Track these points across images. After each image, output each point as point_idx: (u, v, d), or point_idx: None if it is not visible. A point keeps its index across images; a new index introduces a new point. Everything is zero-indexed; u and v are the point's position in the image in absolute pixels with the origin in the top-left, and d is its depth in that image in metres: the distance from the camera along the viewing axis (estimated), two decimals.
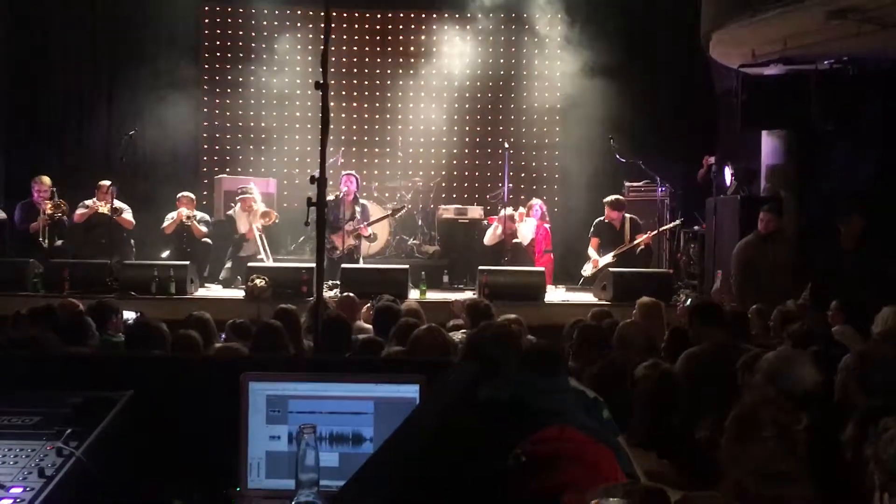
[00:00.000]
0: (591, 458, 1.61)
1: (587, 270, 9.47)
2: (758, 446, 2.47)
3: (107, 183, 9.31)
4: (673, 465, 2.95)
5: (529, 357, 2.58)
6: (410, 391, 1.92)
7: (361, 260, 9.57)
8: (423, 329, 4.04)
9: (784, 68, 8.45)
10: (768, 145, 9.52)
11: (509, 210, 9.70)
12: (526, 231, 9.64)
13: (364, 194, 10.24)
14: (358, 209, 9.55)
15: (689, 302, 7.12)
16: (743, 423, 2.57)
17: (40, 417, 1.82)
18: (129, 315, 5.68)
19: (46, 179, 9.31)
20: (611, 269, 8.67)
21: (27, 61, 11.17)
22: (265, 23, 11.72)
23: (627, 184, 10.52)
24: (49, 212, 9.13)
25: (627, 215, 9.45)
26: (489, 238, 9.69)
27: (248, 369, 1.97)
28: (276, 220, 9.74)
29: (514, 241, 9.58)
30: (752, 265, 7.70)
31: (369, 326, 5.83)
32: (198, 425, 1.93)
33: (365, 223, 9.52)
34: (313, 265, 8.52)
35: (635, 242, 9.21)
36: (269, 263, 9.14)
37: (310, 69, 11.47)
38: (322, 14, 11.46)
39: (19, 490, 1.60)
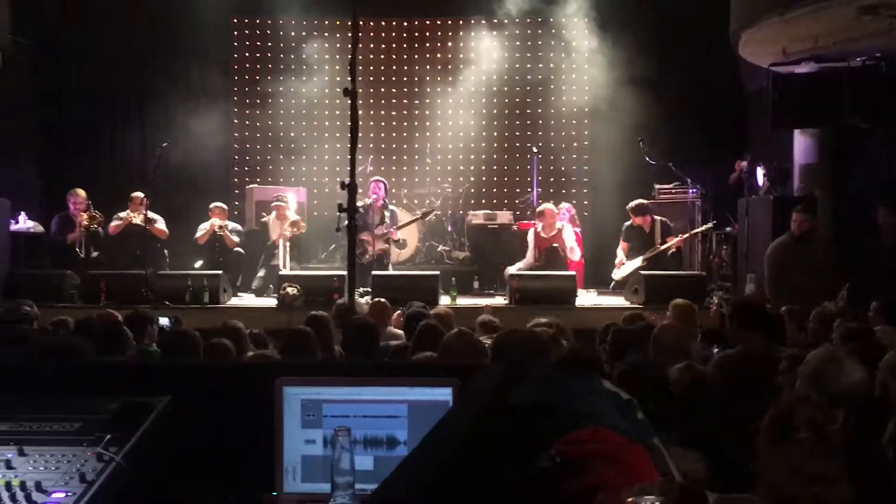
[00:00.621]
0: (626, 458, 1.60)
1: (618, 274, 9.42)
2: (793, 447, 2.44)
3: (140, 195, 9.46)
4: (708, 468, 2.93)
5: (564, 360, 2.57)
6: (443, 394, 1.92)
7: (391, 267, 9.61)
8: (453, 333, 4.05)
9: (815, 66, 8.34)
10: (801, 144, 9.41)
11: (547, 206, 9.56)
12: (570, 240, 9.52)
13: (393, 201, 10.29)
14: (387, 214, 9.61)
15: (716, 303, 7.01)
16: (778, 424, 2.53)
17: (80, 423, 1.85)
18: (164, 321, 5.73)
19: (82, 192, 9.49)
20: (642, 273, 8.61)
21: (60, 77, 11.40)
22: (293, 33, 11.84)
23: (658, 186, 10.44)
24: (85, 224, 9.30)
25: (657, 218, 9.38)
26: (530, 250, 9.51)
27: (283, 374, 1.99)
28: (303, 231, 9.78)
29: (553, 245, 9.47)
30: (785, 266, 7.60)
31: (400, 332, 5.85)
32: (234, 430, 1.96)
33: (394, 227, 9.57)
34: (344, 273, 8.66)
35: (665, 246, 9.14)
36: (298, 272, 9.20)
37: (338, 78, 11.54)
38: (350, 23, 11.60)
39: (62, 495, 1.63)
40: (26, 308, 5.85)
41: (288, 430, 1.95)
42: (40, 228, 9.94)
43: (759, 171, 9.38)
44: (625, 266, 9.34)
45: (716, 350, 4.46)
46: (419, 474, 1.30)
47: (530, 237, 9.52)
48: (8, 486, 1.65)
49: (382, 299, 6.80)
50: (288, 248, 9.61)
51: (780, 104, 8.43)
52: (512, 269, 9.23)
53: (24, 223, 9.81)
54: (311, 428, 1.95)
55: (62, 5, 11.34)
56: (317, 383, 1.97)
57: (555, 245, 9.42)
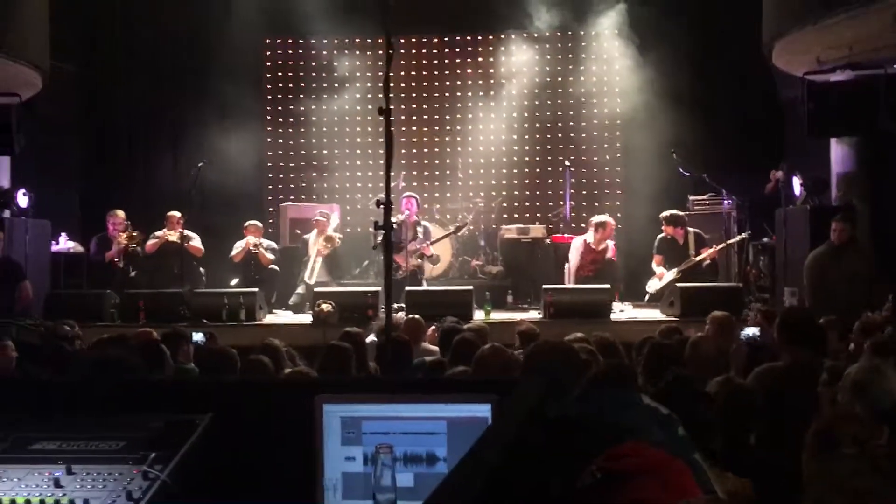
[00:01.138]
0: (668, 473, 1.58)
1: (652, 287, 9.33)
2: (838, 462, 2.40)
3: (176, 214, 9.60)
4: (752, 484, 2.88)
5: (601, 375, 2.55)
6: (482, 410, 1.92)
7: (425, 282, 9.64)
8: (487, 348, 4.05)
9: (851, 74, 8.23)
10: (838, 153, 9.27)
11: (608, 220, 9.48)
12: (611, 254, 9.49)
13: (426, 216, 10.33)
14: (420, 230, 9.65)
15: (750, 330, 6.84)
16: (822, 440, 2.50)
17: (125, 442, 1.88)
18: (198, 337, 5.75)
19: (121, 213, 9.65)
20: (678, 285, 8.53)
21: (98, 101, 11.65)
22: (325, 52, 11.98)
23: (692, 198, 10.36)
24: (124, 244, 9.46)
25: (691, 230, 9.29)
26: (575, 261, 9.39)
27: (322, 391, 2.00)
28: (337, 245, 9.82)
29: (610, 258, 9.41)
30: (825, 276, 7.48)
31: (435, 348, 5.86)
32: (275, 447, 1.97)
33: (427, 243, 9.60)
34: (378, 288, 8.71)
35: (700, 257, 9.04)
36: (332, 288, 9.25)
37: (369, 95, 11.68)
38: (381, 41, 11.71)
39: None
40: (67, 328, 5.96)
41: (328, 447, 1.96)
42: (80, 249, 10.14)
43: (796, 181, 9.25)
44: (659, 279, 9.26)
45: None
46: (461, 492, 1.30)
47: (578, 247, 9.41)
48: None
49: (416, 315, 6.82)
50: (319, 262, 9.67)
51: (816, 113, 8.32)
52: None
53: (64, 244, 10.01)
54: (352, 445, 1.96)
55: (100, 31, 11.61)
56: (356, 400, 1.98)
57: (612, 258, 9.38)
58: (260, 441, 1.96)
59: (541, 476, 1.64)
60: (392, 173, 3.67)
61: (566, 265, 9.50)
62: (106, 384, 2.36)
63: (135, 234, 9.56)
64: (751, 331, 5.49)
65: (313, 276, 9.60)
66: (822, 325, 4.86)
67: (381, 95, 10.53)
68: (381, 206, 3.14)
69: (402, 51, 11.84)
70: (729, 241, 9.40)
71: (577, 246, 9.40)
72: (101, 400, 2.12)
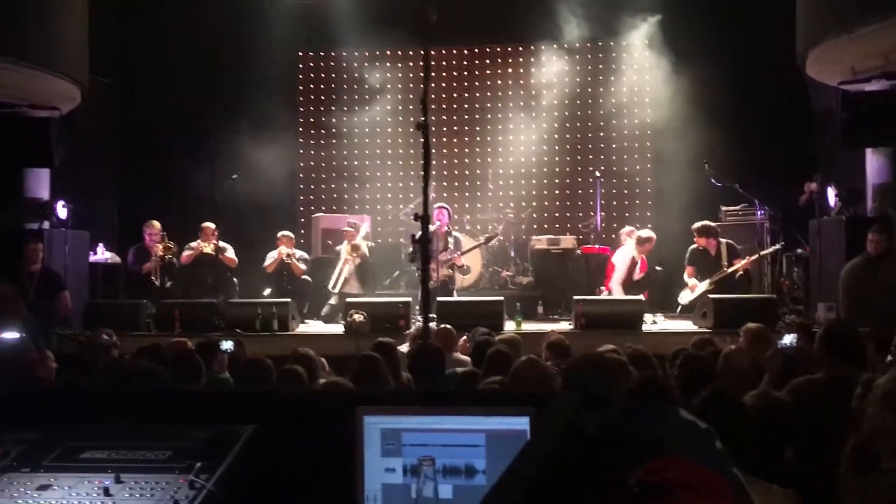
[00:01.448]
0: (707, 487, 1.58)
1: (684, 298, 9.27)
2: (877, 477, 2.38)
3: (211, 225, 9.74)
4: (796, 494, 2.86)
5: (637, 387, 2.56)
6: (521, 423, 1.94)
7: (455, 293, 9.66)
8: (523, 361, 4.06)
9: (887, 84, 8.14)
10: (873, 164, 9.15)
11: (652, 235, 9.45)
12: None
13: (456, 227, 10.36)
14: (451, 241, 9.68)
15: (787, 338, 6.74)
16: (860, 454, 2.47)
17: (171, 451, 1.93)
18: (226, 345, 5.72)
19: (157, 224, 9.81)
20: (710, 296, 8.46)
21: (136, 114, 11.86)
22: (356, 64, 12.10)
23: (724, 208, 10.28)
24: (160, 254, 9.60)
25: (724, 240, 9.22)
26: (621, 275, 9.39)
27: (362, 403, 2.04)
28: (360, 255, 9.85)
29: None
30: (862, 288, 7.38)
31: (466, 359, 5.87)
32: (316, 458, 2.01)
33: (458, 253, 9.63)
34: (409, 299, 8.75)
35: (733, 269, 8.96)
36: (364, 299, 9.31)
37: (400, 107, 11.78)
38: (411, 53, 11.84)
39: None
40: (105, 336, 6.05)
41: (368, 458, 1.99)
42: (117, 259, 10.32)
43: (830, 192, 9.14)
44: (692, 290, 9.20)
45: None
46: None
47: (627, 258, 9.37)
48: None
49: (448, 325, 6.84)
50: (346, 270, 9.72)
51: (851, 123, 8.22)
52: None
53: (101, 254, 10.19)
54: (391, 456, 1.99)
55: (137, 44, 11.82)
56: (396, 412, 2.01)
57: (658, 267, 9.42)
58: (301, 451, 2.00)
59: (579, 490, 1.66)
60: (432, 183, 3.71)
61: (608, 282, 9.45)
62: (151, 395, 2.42)
63: (170, 245, 9.71)
64: (787, 339, 5.42)
65: (338, 284, 9.64)
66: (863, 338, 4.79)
67: (412, 107, 10.58)
68: (418, 219, 3.17)
69: (433, 62, 11.89)
70: (762, 253, 9.31)
71: (622, 260, 9.37)
72: (148, 410, 2.17)
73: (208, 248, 9.63)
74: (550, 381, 3.65)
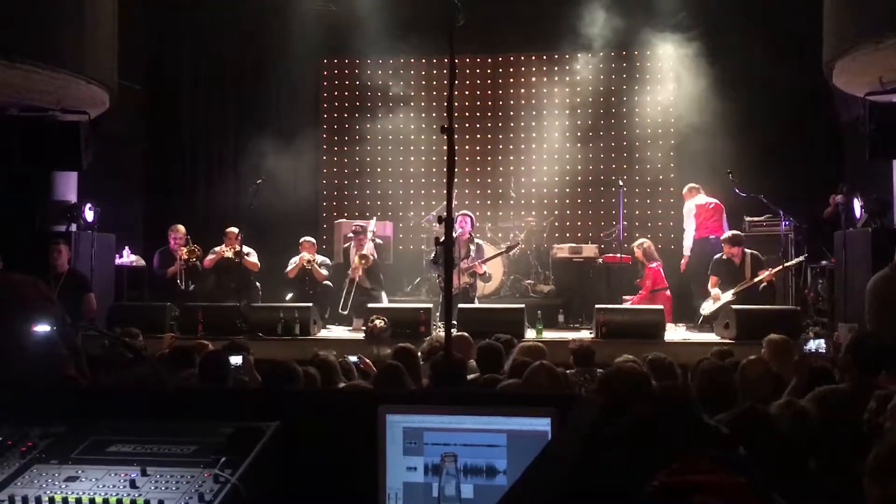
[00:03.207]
0: (729, 490, 1.59)
1: (706, 309, 9.22)
2: None
3: (234, 230, 9.82)
4: None
5: (659, 395, 2.55)
6: (542, 424, 1.94)
7: (477, 300, 9.67)
8: (535, 366, 4.15)
9: None
10: None
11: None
12: None
13: (478, 235, 10.37)
14: (473, 248, 9.69)
15: (813, 344, 6.67)
16: (885, 465, 2.45)
17: (196, 446, 1.95)
18: (235, 360, 5.61)
19: (181, 228, 9.91)
20: (733, 307, 8.41)
21: (162, 120, 12.01)
22: (380, 72, 12.18)
23: (748, 219, 10.21)
24: (184, 258, 9.70)
25: (748, 251, 9.16)
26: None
27: (384, 402, 2.05)
28: (370, 265, 9.82)
29: None
30: (889, 301, 7.28)
31: None
32: (338, 456, 2.02)
33: (480, 261, 9.63)
34: (430, 305, 8.77)
35: (757, 279, 8.90)
36: (385, 304, 9.33)
37: (423, 115, 11.82)
38: (434, 61, 11.90)
39: None
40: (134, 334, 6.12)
41: (390, 456, 2.00)
42: (142, 262, 10.43)
43: (857, 203, 9.05)
44: (714, 300, 9.15)
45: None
46: None
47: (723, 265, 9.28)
48: (133, 503, 1.76)
49: (465, 333, 6.79)
50: (354, 288, 9.67)
51: (878, 134, 8.14)
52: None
53: (127, 257, 10.31)
54: (413, 455, 2.00)
55: (165, 50, 11.99)
56: (418, 411, 2.02)
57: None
58: (324, 449, 2.02)
59: (602, 491, 1.66)
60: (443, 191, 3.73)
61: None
62: (178, 392, 2.45)
63: (195, 249, 9.80)
64: (814, 344, 5.36)
65: (348, 304, 9.60)
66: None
67: (434, 114, 10.58)
68: (442, 223, 3.19)
69: (456, 70, 11.93)
70: (787, 264, 9.23)
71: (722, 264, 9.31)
72: (173, 407, 2.20)
73: (230, 253, 9.72)
74: (562, 386, 3.67)
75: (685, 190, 10.21)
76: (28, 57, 7.61)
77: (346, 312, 9.58)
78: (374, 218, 10.82)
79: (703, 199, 9.97)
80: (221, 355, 4.92)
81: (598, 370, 5.91)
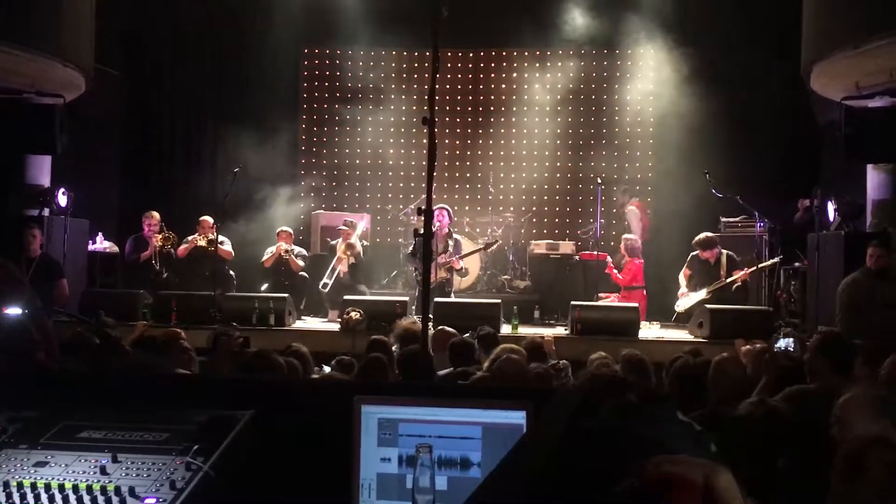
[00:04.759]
0: (703, 487, 1.60)
1: (680, 306, 9.30)
2: (866, 488, 2.39)
3: (209, 219, 9.75)
4: None
5: (634, 392, 2.56)
6: (517, 417, 1.95)
7: (453, 294, 9.67)
8: (503, 359, 4.19)
9: (890, 101, 8.17)
10: (874, 180, 9.17)
11: None
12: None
13: (455, 230, 10.37)
14: (451, 242, 9.68)
15: (783, 342, 6.75)
16: (849, 465, 2.49)
17: (169, 434, 1.94)
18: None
19: (156, 214, 9.81)
20: (707, 306, 8.48)
21: (139, 105, 11.87)
22: (360, 63, 12.13)
23: (724, 219, 10.30)
24: (158, 245, 9.61)
25: (724, 251, 9.24)
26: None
27: (360, 393, 2.04)
28: (354, 254, 9.83)
29: None
30: (859, 303, 7.38)
31: None
32: (312, 446, 2.01)
33: (457, 256, 9.63)
34: (406, 298, 8.76)
35: (731, 279, 8.99)
36: (360, 297, 9.31)
37: (403, 107, 11.78)
38: (416, 54, 11.86)
39: (153, 501, 1.71)
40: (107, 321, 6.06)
41: (365, 447, 2.00)
42: (115, 249, 10.31)
43: (830, 206, 9.16)
44: (688, 298, 9.23)
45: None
46: (498, 498, 1.33)
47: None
48: (103, 490, 1.74)
49: (445, 328, 6.81)
50: (339, 270, 9.68)
51: (853, 138, 8.25)
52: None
53: (100, 243, 10.18)
54: (387, 447, 2.00)
55: (143, 36, 11.84)
56: (394, 402, 2.02)
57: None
58: (298, 438, 2.01)
59: (577, 486, 1.66)
60: (423, 185, 3.73)
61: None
62: (151, 379, 2.42)
63: (170, 236, 9.71)
64: (783, 343, 5.43)
65: (329, 284, 9.62)
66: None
67: (414, 107, 10.57)
68: (421, 215, 3.18)
69: (437, 64, 11.92)
70: (761, 265, 9.33)
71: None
72: (146, 393, 2.18)
73: (203, 242, 9.65)
74: (529, 379, 3.71)
75: (627, 194, 10.62)
76: (3, 38, 7.49)
77: (325, 291, 9.52)
78: (364, 219, 10.78)
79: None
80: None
81: (563, 361, 5.96)
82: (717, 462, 2.08)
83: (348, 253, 9.76)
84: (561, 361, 5.91)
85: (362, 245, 10.03)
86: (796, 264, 9.45)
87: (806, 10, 8.50)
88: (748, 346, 5.58)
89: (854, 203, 9.12)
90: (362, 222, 10.38)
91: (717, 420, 3.59)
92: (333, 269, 9.70)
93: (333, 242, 10.09)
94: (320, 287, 9.60)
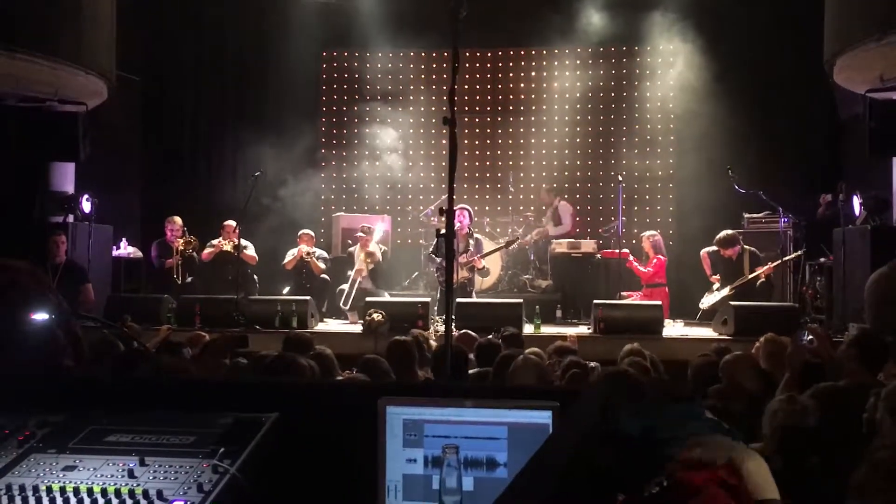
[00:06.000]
0: (733, 482, 1.58)
1: (705, 303, 9.23)
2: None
3: (232, 223, 9.80)
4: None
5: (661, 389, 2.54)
6: (543, 417, 1.93)
7: (475, 294, 9.65)
8: (519, 360, 4.17)
9: None
10: None
11: None
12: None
13: (476, 230, 10.35)
14: (472, 242, 9.66)
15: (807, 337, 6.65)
16: (867, 484, 2.45)
17: (195, 437, 1.94)
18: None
19: (178, 219, 9.89)
20: (731, 303, 8.40)
21: (161, 111, 11.98)
22: (380, 65, 12.15)
23: (747, 215, 10.20)
24: (181, 249, 9.68)
25: (747, 248, 9.16)
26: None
27: (385, 394, 2.04)
28: (375, 262, 9.83)
29: None
30: (890, 299, 7.26)
31: None
32: (338, 447, 2.01)
33: (479, 255, 9.61)
34: (428, 299, 8.76)
35: (754, 274, 8.90)
36: (383, 298, 9.31)
37: (422, 108, 11.79)
38: (434, 55, 11.87)
39: (181, 503, 1.71)
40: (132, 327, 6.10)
41: (390, 448, 1.99)
42: (139, 254, 10.40)
43: (856, 200, 9.04)
44: (711, 296, 9.16)
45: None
46: (526, 499, 1.32)
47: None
48: (131, 493, 1.75)
49: (469, 331, 6.79)
50: (358, 284, 9.64)
51: (878, 131, 8.13)
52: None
53: (124, 249, 10.28)
54: (413, 447, 1.99)
55: (165, 43, 11.94)
56: (419, 403, 2.01)
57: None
58: (324, 440, 2.00)
59: (605, 485, 1.65)
60: (444, 186, 3.72)
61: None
62: (176, 382, 2.43)
63: (192, 240, 9.78)
64: (808, 336, 5.36)
65: (349, 301, 9.58)
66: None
67: (434, 108, 10.55)
68: (443, 215, 3.17)
69: (456, 64, 11.90)
70: (784, 259, 9.24)
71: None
72: (172, 397, 2.18)
73: (228, 246, 9.71)
74: (549, 380, 3.70)
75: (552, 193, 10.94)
76: (27, 48, 7.58)
77: (347, 307, 9.55)
78: (382, 222, 10.78)
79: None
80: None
81: (592, 363, 5.93)
82: (747, 449, 2.05)
83: (368, 261, 9.76)
84: (591, 364, 5.88)
85: (381, 250, 10.04)
86: (822, 260, 9.34)
87: (828, 2, 8.40)
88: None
89: (880, 197, 8.99)
90: (381, 225, 10.38)
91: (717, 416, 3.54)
92: (354, 282, 9.66)
93: (351, 249, 10.10)
94: (341, 304, 9.58)
